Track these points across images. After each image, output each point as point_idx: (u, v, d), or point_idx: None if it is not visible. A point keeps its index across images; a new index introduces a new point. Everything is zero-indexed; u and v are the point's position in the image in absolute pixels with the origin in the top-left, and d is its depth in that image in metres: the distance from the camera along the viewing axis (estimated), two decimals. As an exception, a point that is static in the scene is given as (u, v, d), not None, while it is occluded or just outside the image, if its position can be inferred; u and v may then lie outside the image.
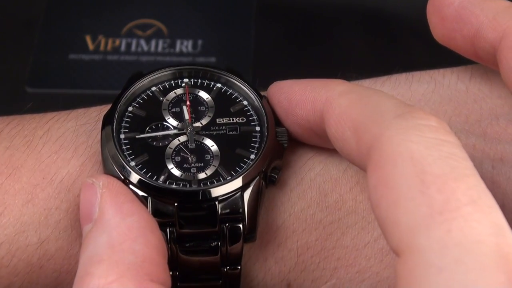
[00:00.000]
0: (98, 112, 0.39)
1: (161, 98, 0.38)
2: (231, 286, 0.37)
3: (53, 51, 0.60)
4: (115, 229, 0.32)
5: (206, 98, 0.38)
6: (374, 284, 0.37)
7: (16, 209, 0.36)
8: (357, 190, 0.37)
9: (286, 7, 0.64)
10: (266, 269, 0.37)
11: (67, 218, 0.36)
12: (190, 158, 0.36)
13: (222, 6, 0.64)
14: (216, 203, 0.35)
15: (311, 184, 0.37)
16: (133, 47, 0.61)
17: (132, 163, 0.35)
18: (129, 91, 0.38)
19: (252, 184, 0.35)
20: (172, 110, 0.38)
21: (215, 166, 0.36)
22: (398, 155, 0.29)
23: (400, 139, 0.29)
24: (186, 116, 0.37)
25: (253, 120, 0.38)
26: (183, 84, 0.39)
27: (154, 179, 0.35)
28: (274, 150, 0.36)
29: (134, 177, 0.35)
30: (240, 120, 0.38)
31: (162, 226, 0.34)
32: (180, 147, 0.36)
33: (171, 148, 0.36)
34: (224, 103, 0.38)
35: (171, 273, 0.35)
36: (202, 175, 0.35)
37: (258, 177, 0.35)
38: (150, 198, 0.35)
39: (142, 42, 0.61)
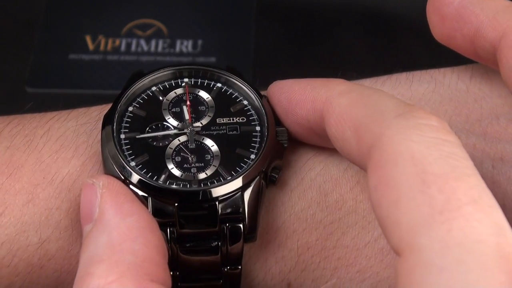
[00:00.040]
0: (99, 112, 0.39)
1: (161, 98, 0.38)
2: (231, 286, 0.37)
3: (53, 51, 0.60)
4: (115, 229, 0.32)
5: (206, 98, 0.38)
6: (374, 283, 0.37)
7: (17, 209, 0.36)
8: (358, 190, 0.37)
9: (286, 7, 0.64)
10: (267, 269, 0.37)
11: (68, 218, 0.36)
12: (190, 158, 0.36)
13: (222, 6, 0.64)
14: (217, 203, 0.35)
15: (311, 184, 0.37)
16: (133, 47, 0.61)
17: (132, 163, 0.35)
18: (129, 91, 0.38)
19: (252, 184, 0.35)
20: (172, 110, 0.38)
21: (215, 166, 0.36)
22: (399, 155, 0.28)
23: (400, 138, 0.29)
24: (186, 116, 0.37)
25: (253, 120, 0.37)
26: (183, 84, 0.39)
27: (154, 179, 0.35)
28: (274, 150, 0.36)
29: (134, 177, 0.35)
30: (240, 120, 0.37)
31: (163, 226, 0.34)
32: (180, 147, 0.36)
33: (171, 148, 0.36)
34: (224, 103, 0.38)
35: (171, 273, 0.35)
36: (202, 175, 0.35)
37: (258, 177, 0.35)
38: (150, 198, 0.35)
39: (142, 42, 0.61)
